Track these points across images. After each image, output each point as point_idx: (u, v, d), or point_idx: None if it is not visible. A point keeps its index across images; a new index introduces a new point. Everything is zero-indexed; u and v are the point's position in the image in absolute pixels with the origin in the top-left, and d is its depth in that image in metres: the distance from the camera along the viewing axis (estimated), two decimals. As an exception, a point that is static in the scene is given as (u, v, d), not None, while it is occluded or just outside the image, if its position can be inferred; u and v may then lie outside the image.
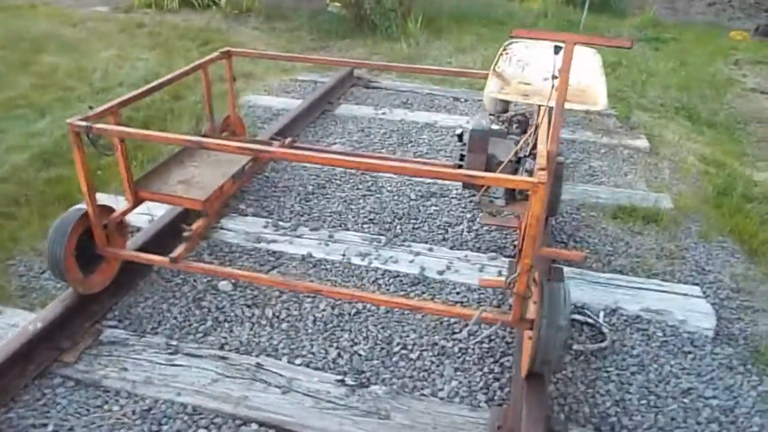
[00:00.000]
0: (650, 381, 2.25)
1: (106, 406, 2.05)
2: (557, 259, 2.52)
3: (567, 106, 2.36)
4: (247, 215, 3.18)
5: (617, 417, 2.10)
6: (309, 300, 2.57)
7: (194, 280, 2.65)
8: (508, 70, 2.66)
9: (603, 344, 2.39)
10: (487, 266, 2.84)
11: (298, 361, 2.27)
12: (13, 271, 2.70)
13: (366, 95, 5.09)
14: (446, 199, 3.44)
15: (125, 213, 2.42)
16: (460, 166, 2.51)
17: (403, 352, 2.33)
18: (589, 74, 2.52)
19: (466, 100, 5.01)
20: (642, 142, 4.25)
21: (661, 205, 3.40)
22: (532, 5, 7.77)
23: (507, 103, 2.62)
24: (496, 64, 2.68)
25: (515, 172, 2.48)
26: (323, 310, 2.51)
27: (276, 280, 2.29)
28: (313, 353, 2.30)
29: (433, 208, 3.34)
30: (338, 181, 3.58)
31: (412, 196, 3.45)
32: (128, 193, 2.41)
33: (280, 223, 3.12)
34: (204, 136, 2.94)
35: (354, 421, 2.02)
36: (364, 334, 2.40)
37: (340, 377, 2.18)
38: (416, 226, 3.17)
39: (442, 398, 2.13)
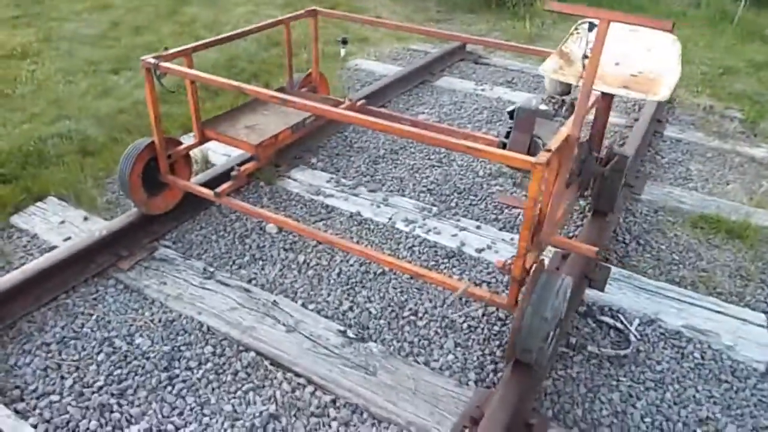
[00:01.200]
0: (664, 401, 2.07)
1: (140, 311, 2.35)
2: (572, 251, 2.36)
3: (623, 93, 2.19)
4: (315, 169, 3.36)
5: (611, 428, 1.97)
6: (341, 254, 2.68)
7: (246, 219, 2.89)
8: (576, 51, 2.50)
9: (623, 352, 2.22)
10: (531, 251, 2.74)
11: (311, 306, 2.40)
12: (108, 188, 3.13)
13: (472, 70, 5.00)
14: (515, 180, 3.33)
15: (191, 147, 2.69)
16: (505, 144, 2.44)
17: (412, 318, 2.36)
18: (660, 62, 2.29)
19: (577, 86, 4.72)
20: (762, 152, 3.74)
21: (754, 221, 3.01)
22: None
23: (569, 85, 2.47)
24: (564, 44, 2.52)
25: (559, 157, 2.35)
26: (351, 266, 2.61)
27: (297, 225, 2.41)
28: (327, 302, 2.42)
29: (497, 187, 3.26)
30: (411, 149, 3.62)
31: (480, 173, 3.39)
32: (195, 130, 2.67)
33: (343, 180, 3.26)
34: (281, 89, 3.14)
35: (341, 370, 2.11)
36: (382, 294, 2.46)
37: (343, 328, 2.28)
38: (473, 202, 3.13)
39: (432, 368, 2.14)
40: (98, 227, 2.69)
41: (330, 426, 1.94)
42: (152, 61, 2.32)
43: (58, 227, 2.78)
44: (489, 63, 5.15)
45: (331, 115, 2.07)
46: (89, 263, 2.48)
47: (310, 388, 2.06)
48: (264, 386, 2.06)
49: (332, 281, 2.53)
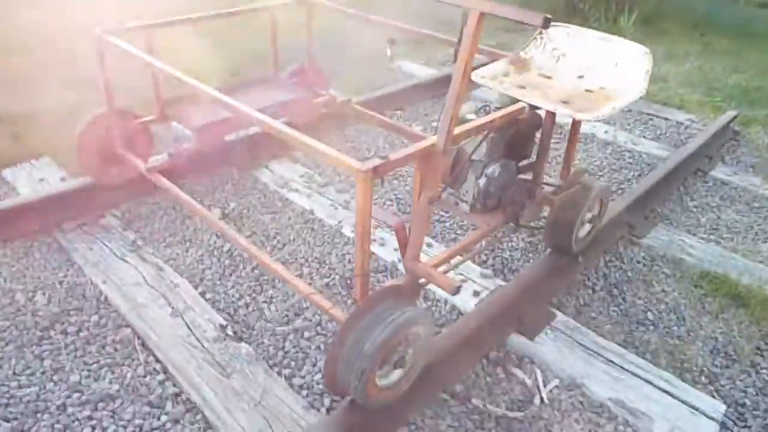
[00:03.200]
0: (539, 480, 1.71)
1: (56, 270, 2.41)
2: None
3: (550, 107, 1.86)
4: (297, 162, 3.28)
5: (455, 495, 1.67)
6: (271, 250, 2.58)
7: (200, 200, 2.88)
8: (537, 58, 2.17)
9: (515, 414, 1.87)
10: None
11: (209, 295, 2.31)
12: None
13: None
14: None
15: (148, 123, 2.72)
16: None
17: (303, 327, 2.18)
18: (623, 78, 1.90)
19: (635, 111, 4.18)
20: (830, 211, 3.02)
21: (770, 290, 2.43)
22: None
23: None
24: (524, 48, 2.20)
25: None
26: (270, 262, 2.49)
27: (199, 209, 2.29)
28: (226, 294, 2.32)
29: (479, 208, 2.95)
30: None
31: (468, 190, 3.09)
32: (156, 106, 2.70)
33: (317, 177, 3.13)
34: (262, 78, 3.09)
35: (198, 364, 2.00)
36: (286, 298, 2.31)
37: (225, 323, 2.17)
38: (442, 219, 2.86)
39: (292, 384, 1.96)
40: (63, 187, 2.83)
41: (159, 419, 1.84)
42: (100, 33, 2.38)
43: (37, 184, 2.96)
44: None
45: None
46: (35, 219, 2.60)
47: (161, 377, 1.97)
48: (122, 365, 2.01)
49: (243, 274, 2.43)
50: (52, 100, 3.88)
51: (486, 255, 2.61)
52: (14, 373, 1.95)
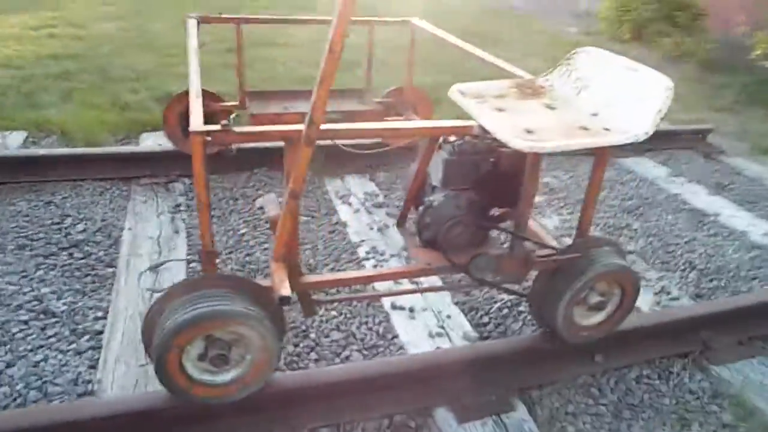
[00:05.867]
0: None
1: (109, 210, 2.74)
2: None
3: (490, 127, 1.50)
4: (373, 180, 3.21)
5: None
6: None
7: (258, 189, 3.00)
8: (557, 87, 1.76)
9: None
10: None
11: (192, 264, 2.38)
12: (222, 138, 3.68)
13: (685, 163, 3.83)
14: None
15: (229, 108, 2.95)
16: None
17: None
18: (629, 114, 1.43)
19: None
20: None
21: None
22: None
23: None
24: (546, 75, 1.81)
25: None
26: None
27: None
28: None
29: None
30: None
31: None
32: (239, 94, 2.93)
33: (380, 198, 3.02)
34: (354, 91, 3.11)
35: (132, 314, 2.06)
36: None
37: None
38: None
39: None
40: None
41: (68, 344, 1.94)
42: (190, 16, 2.68)
43: (156, 146, 3.44)
44: (722, 161, 3.86)
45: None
46: (119, 169, 3.02)
47: (100, 314, 2.08)
48: (85, 295, 2.18)
49: (235, 258, 2.44)
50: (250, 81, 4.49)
51: (490, 317, 2.19)
52: (14, 272, 2.27)
